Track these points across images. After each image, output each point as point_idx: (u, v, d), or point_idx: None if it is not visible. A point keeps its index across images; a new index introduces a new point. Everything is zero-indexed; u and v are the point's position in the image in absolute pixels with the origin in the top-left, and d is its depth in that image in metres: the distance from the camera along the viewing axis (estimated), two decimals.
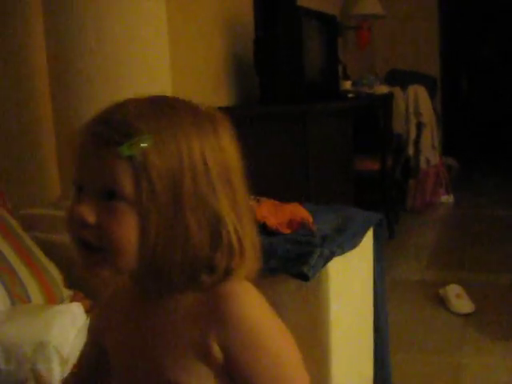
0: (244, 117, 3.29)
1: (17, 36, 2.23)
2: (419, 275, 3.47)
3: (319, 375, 1.59)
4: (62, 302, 1.74)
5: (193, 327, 0.80)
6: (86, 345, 0.99)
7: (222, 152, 0.81)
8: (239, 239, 0.81)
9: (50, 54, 2.01)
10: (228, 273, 0.81)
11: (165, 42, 2.03)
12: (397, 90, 4.58)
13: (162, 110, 0.80)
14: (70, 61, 1.92)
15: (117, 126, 0.77)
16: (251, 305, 0.81)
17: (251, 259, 0.83)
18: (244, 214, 0.83)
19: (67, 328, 1.42)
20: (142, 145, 0.76)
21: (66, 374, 1.08)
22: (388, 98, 4.21)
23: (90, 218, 0.77)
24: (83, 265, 0.81)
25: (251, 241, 0.84)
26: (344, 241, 1.59)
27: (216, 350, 0.79)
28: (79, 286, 1.83)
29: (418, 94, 4.74)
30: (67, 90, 1.96)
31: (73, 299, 1.75)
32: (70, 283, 1.82)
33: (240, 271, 0.82)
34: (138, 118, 0.78)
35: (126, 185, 0.76)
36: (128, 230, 0.77)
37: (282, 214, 1.62)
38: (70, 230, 0.80)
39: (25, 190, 2.23)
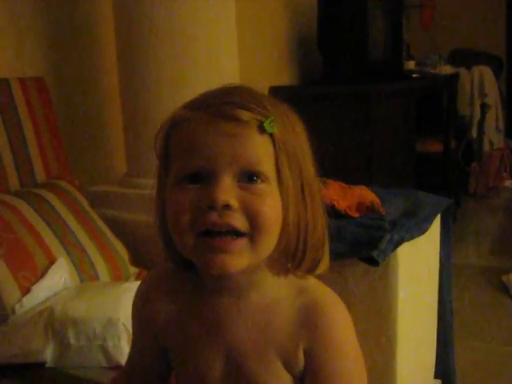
0: (306, 96, 3.26)
1: (85, 13, 2.26)
2: (481, 261, 3.40)
3: (384, 361, 1.57)
4: (127, 279, 1.76)
5: (284, 333, 0.80)
6: (137, 341, 0.93)
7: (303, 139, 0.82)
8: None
9: (118, 32, 2.02)
10: (315, 266, 0.82)
11: (232, 21, 2.02)
12: (462, 71, 4.46)
13: (271, 99, 0.80)
14: (137, 38, 1.93)
15: (254, 107, 0.75)
16: (343, 321, 0.82)
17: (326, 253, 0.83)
18: (320, 205, 0.82)
19: None
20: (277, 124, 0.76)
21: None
22: (453, 79, 4.10)
23: (233, 201, 0.73)
24: (214, 256, 0.75)
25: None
26: (413, 226, 1.55)
27: (301, 358, 0.79)
28: (144, 263, 1.85)
29: (484, 74, 4.61)
30: (134, 69, 1.97)
31: (138, 277, 1.78)
32: (136, 261, 1.85)
33: (322, 266, 0.82)
34: (267, 101, 0.78)
35: (269, 164, 0.75)
36: (276, 212, 0.75)
37: (350, 197, 1.59)
38: (202, 218, 0.74)
39: (92, 167, 2.26)
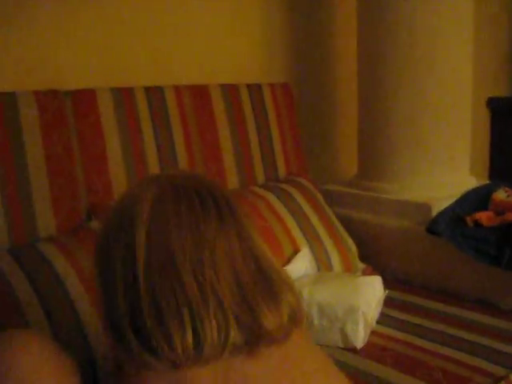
0: None
1: (324, 26, 2.44)
2: None
3: None
4: (355, 272, 1.92)
5: None
6: None
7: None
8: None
9: (361, 43, 2.18)
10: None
11: (470, 30, 2.10)
12: None
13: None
14: (378, 47, 2.06)
15: None
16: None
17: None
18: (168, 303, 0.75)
19: (370, 297, 1.59)
20: None
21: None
22: None
23: None
24: None
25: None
26: None
27: None
28: (371, 260, 2.00)
29: None
30: (374, 76, 2.10)
31: (364, 271, 1.93)
32: (363, 257, 2.00)
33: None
34: None
35: None
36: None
37: None
38: None
39: (322, 167, 2.45)
